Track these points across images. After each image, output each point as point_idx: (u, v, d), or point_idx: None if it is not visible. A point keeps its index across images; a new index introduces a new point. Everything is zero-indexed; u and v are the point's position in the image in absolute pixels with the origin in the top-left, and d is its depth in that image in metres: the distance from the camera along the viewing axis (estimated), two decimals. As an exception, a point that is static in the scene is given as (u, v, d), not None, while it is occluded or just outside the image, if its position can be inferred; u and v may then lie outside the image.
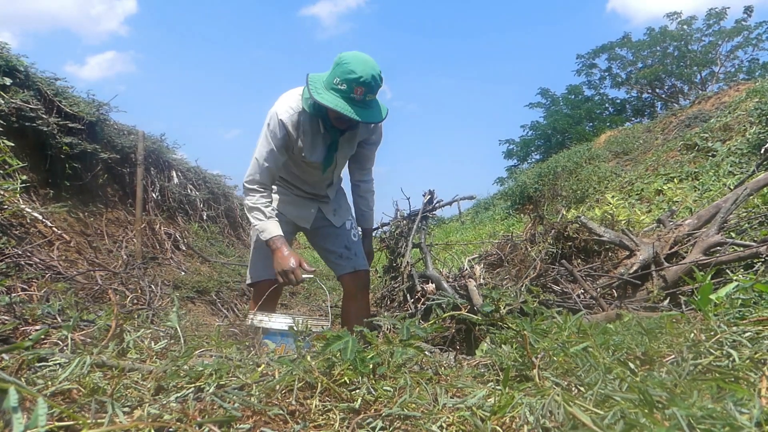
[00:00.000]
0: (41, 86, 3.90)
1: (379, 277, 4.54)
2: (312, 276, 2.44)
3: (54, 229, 3.16)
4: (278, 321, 2.30)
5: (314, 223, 2.83)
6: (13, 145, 3.19)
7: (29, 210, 3.03)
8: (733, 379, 1.06)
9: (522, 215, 13.51)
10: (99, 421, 1.02)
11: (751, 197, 3.84)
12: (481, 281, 3.10)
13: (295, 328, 2.05)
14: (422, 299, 3.27)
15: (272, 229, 2.52)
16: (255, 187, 2.56)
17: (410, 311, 3.28)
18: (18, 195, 3.00)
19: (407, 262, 3.77)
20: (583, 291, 2.87)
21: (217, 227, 6.61)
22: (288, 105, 2.53)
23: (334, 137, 2.60)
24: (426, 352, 1.75)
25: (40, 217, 3.10)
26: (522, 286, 2.95)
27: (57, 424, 0.99)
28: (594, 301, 2.69)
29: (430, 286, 3.28)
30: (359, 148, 2.77)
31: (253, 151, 2.59)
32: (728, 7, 26.41)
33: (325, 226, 2.85)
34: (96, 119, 4.26)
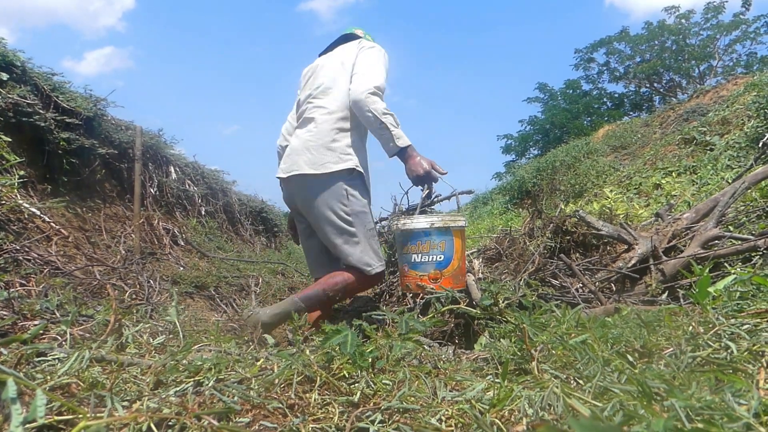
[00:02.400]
0: (38, 81, 3.88)
1: (378, 271, 4.53)
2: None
3: (52, 224, 3.16)
4: (420, 220, 2.47)
5: None
6: (10, 140, 3.18)
7: (27, 205, 3.02)
8: (731, 371, 1.06)
9: (520, 210, 13.51)
10: (98, 414, 1.02)
11: (749, 191, 3.84)
12: (480, 275, 3.10)
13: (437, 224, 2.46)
14: (421, 294, 3.27)
15: (406, 136, 2.48)
16: (381, 94, 2.47)
17: (409, 306, 3.28)
18: (16, 190, 2.99)
19: (406, 256, 3.77)
20: (581, 285, 2.88)
21: (216, 222, 6.60)
22: None
23: None
24: (425, 346, 1.75)
25: (38, 213, 3.09)
26: (520, 280, 2.95)
27: (56, 418, 0.99)
28: (592, 295, 2.70)
29: (429, 281, 3.28)
30: None
31: (365, 68, 2.54)
32: (726, 1, 26.45)
33: None
34: (93, 114, 4.24)
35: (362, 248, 2.59)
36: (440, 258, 2.50)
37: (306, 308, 2.41)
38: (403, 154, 2.50)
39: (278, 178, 2.69)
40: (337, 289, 2.52)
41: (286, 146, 2.75)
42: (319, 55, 2.93)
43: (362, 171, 2.59)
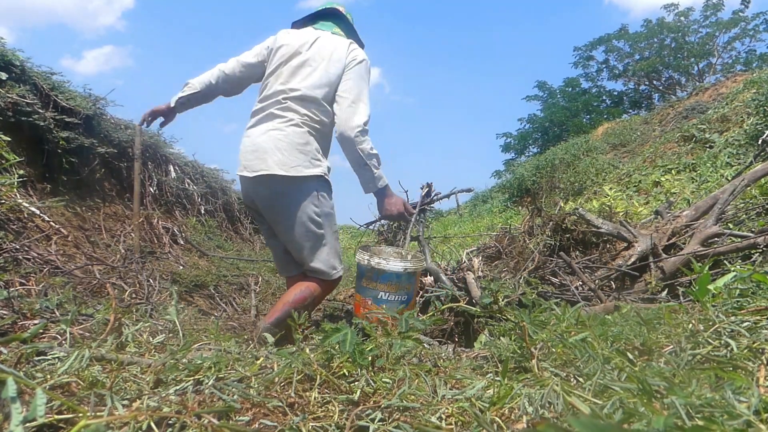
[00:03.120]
0: (37, 81, 3.87)
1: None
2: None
3: (51, 223, 3.15)
4: (396, 264, 2.57)
5: None
6: (9, 139, 3.18)
7: (26, 204, 3.01)
8: (731, 369, 1.06)
9: (520, 208, 13.53)
10: (98, 413, 1.02)
11: (749, 188, 3.84)
12: (480, 274, 3.11)
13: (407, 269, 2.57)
14: (420, 292, 3.28)
15: (384, 176, 2.54)
16: (368, 130, 2.47)
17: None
18: (15, 189, 2.99)
19: (405, 255, 3.77)
20: (581, 283, 2.88)
21: (215, 221, 6.59)
22: None
23: None
24: (425, 345, 1.76)
25: (38, 212, 3.09)
26: (520, 278, 2.95)
27: (56, 417, 0.99)
28: (592, 293, 2.70)
29: (429, 279, 3.28)
30: None
31: (355, 95, 2.50)
32: (725, -2, 26.41)
33: None
34: (93, 113, 4.23)
35: (328, 251, 2.55)
36: (405, 298, 2.62)
37: (279, 331, 2.29)
38: (381, 193, 2.58)
39: (240, 175, 2.56)
40: (306, 304, 2.46)
41: (213, 87, 2.71)
42: (293, 25, 2.86)
43: (328, 178, 2.57)
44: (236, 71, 2.72)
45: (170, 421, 1.00)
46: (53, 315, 1.97)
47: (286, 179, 2.40)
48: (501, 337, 1.78)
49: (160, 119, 2.84)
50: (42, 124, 3.63)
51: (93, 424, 0.85)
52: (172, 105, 2.74)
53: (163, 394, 1.14)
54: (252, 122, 2.57)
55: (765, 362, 1.05)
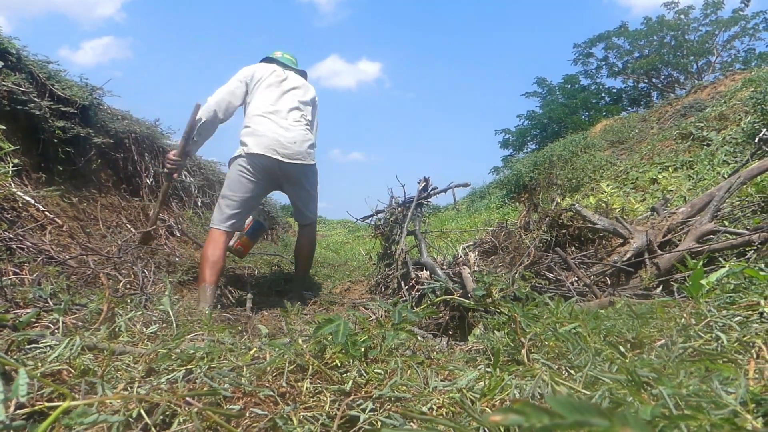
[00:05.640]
0: (33, 69, 3.84)
1: (374, 264, 4.54)
2: None
3: (46, 213, 3.14)
4: None
5: None
6: (5, 128, 3.16)
7: (21, 194, 3.00)
8: (721, 361, 1.07)
9: (517, 204, 13.54)
10: (89, 401, 1.01)
11: (745, 186, 3.85)
12: (476, 268, 3.10)
13: None
14: (416, 286, 3.27)
15: None
16: None
17: (404, 298, 3.28)
18: (10, 178, 2.98)
19: (402, 249, 3.77)
20: (576, 278, 2.88)
21: (212, 214, 6.57)
22: None
23: None
24: (418, 337, 1.76)
25: (33, 201, 3.07)
26: (516, 273, 2.95)
27: (47, 404, 0.99)
28: (587, 289, 2.70)
29: (425, 273, 3.28)
30: None
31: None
32: (725, -3, 26.35)
33: None
34: (89, 104, 4.21)
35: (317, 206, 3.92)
36: None
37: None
38: None
39: (271, 157, 3.38)
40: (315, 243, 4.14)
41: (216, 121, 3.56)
42: (268, 60, 3.84)
43: None
44: (233, 103, 3.57)
45: (163, 412, 0.99)
46: (46, 304, 1.97)
47: (312, 167, 3.62)
48: (495, 331, 1.79)
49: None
50: (38, 113, 3.60)
51: (79, 405, 0.85)
52: (183, 152, 3.84)
53: (154, 383, 1.14)
54: (278, 118, 3.46)
55: (755, 355, 1.06)
